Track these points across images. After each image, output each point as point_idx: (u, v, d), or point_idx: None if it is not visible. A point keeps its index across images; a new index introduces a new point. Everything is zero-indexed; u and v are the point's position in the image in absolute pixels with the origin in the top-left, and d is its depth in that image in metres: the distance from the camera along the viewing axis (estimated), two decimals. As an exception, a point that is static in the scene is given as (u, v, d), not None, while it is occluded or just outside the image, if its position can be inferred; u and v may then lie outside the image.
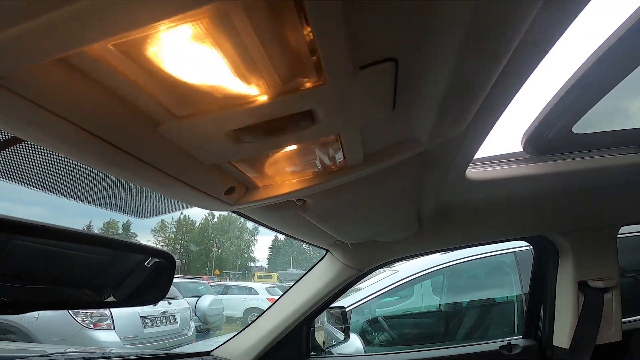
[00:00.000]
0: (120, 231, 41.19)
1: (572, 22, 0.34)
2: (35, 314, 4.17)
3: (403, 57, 0.25)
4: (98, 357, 1.14)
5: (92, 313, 4.41)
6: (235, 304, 10.47)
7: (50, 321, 4.14)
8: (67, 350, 1.21)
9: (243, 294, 11.21)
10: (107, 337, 4.23)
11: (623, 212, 1.15)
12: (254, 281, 20.52)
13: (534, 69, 0.42)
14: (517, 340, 1.37)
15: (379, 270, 3.38)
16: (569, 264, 1.22)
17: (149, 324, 4.88)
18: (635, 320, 1.37)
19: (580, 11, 0.33)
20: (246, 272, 44.06)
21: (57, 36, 0.17)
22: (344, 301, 2.63)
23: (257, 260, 54.87)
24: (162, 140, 0.28)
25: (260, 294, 10.61)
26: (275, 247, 54.64)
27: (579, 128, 0.75)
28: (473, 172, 0.80)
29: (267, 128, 0.28)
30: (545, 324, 1.29)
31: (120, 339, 4.34)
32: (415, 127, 0.38)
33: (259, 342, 1.30)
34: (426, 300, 2.70)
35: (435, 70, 0.28)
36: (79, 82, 0.22)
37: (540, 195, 0.96)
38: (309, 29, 0.20)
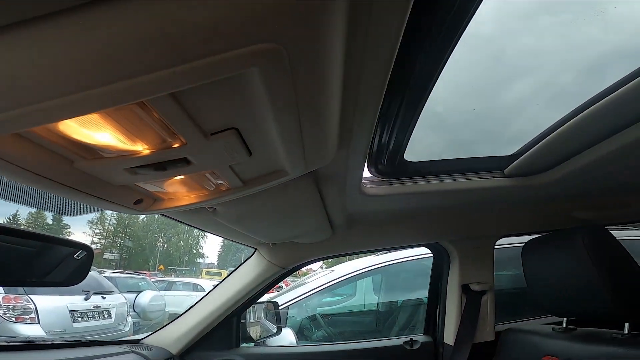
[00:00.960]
0: (50, 221, 37.47)
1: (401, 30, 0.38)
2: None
3: (242, 126, 0.38)
4: (20, 342, 1.16)
5: (14, 306, 4.11)
6: (179, 300, 10.11)
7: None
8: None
9: (188, 290, 10.88)
10: (30, 331, 3.97)
11: (496, 226, 1.39)
12: (202, 278, 19.86)
13: (378, 101, 0.49)
14: (418, 336, 1.57)
15: (319, 271, 3.55)
16: (456, 269, 1.43)
17: (79, 319, 4.63)
18: (506, 323, 1.60)
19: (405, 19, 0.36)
20: (194, 268, 42.38)
21: (9, 125, 0.29)
22: (285, 296, 2.76)
23: (207, 257, 53.14)
24: (78, 172, 0.41)
25: (207, 290, 10.33)
26: (226, 244, 53.19)
27: (410, 157, 0.90)
28: (368, 188, 0.95)
29: (156, 166, 0.41)
30: (439, 323, 1.51)
31: (46, 332, 4.08)
32: (275, 164, 0.51)
33: (190, 331, 1.39)
34: (367, 299, 2.90)
35: (270, 132, 0.40)
36: (20, 142, 0.35)
37: (428, 208, 1.16)
38: (158, 116, 0.33)
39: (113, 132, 0.34)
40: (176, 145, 0.38)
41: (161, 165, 0.40)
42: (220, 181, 0.53)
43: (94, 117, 0.32)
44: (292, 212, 0.85)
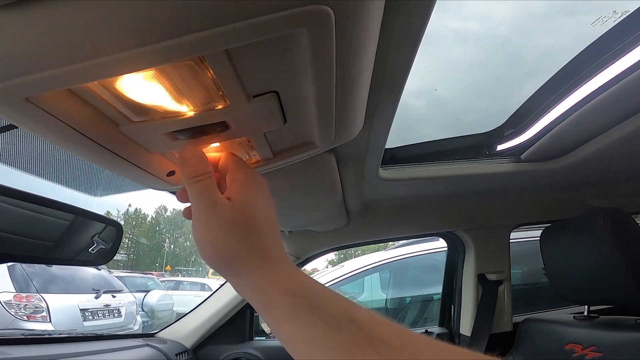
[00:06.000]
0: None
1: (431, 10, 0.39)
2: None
3: (281, 90, 0.38)
4: (37, 336, 1.17)
5: (26, 304, 4.17)
6: (187, 300, 10.21)
7: (-21, 312, 3.85)
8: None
9: (195, 290, 10.97)
10: (42, 330, 4.02)
11: (511, 214, 1.37)
12: (209, 278, 20.03)
13: (402, 86, 0.50)
14: (433, 328, 1.57)
15: (324, 270, 3.55)
16: (471, 258, 1.41)
17: (90, 317, 4.68)
18: (523, 314, 1.56)
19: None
20: (200, 268, 42.71)
21: (69, 78, 0.28)
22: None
23: (213, 257, 53.37)
24: (121, 136, 0.41)
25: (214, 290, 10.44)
26: (232, 244, 53.36)
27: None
28: (386, 173, 0.93)
29: (195, 131, 0.41)
30: (454, 314, 1.50)
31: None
32: (306, 134, 0.51)
33: (204, 324, 1.40)
34: (375, 295, 2.90)
35: (306, 98, 0.40)
36: (72, 99, 0.35)
37: (443, 195, 1.14)
38: (212, 74, 0.33)
39: (165, 90, 0.35)
40: (219, 107, 0.38)
41: (200, 129, 0.40)
42: (250, 153, 0.53)
43: (151, 73, 0.32)
44: (312, 194, 0.85)
